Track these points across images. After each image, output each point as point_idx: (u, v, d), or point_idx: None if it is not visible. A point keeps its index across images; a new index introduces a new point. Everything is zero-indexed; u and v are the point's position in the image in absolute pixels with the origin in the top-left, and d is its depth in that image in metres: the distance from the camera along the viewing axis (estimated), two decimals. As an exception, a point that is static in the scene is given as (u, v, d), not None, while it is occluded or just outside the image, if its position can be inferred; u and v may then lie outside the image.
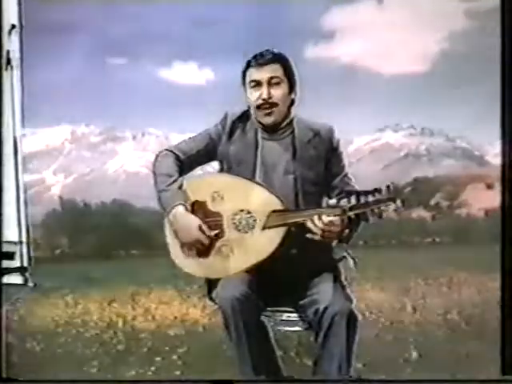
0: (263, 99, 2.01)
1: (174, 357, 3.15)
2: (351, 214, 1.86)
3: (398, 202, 1.83)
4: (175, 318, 4.05)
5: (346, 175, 2.11)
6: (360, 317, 1.96)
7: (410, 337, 3.37)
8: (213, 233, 1.99)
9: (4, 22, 2.74)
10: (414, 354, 3.06)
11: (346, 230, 1.93)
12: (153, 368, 2.99)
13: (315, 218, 1.87)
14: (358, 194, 1.86)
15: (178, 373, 2.94)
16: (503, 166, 2.56)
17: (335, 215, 1.86)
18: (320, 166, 2.07)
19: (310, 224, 1.88)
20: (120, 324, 3.98)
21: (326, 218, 1.86)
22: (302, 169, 2.05)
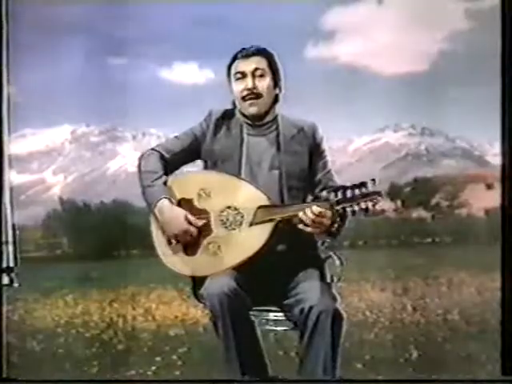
0: (248, 89, 2.03)
1: (174, 357, 3.15)
2: (338, 208, 1.87)
3: (385, 195, 1.86)
4: (175, 317, 4.05)
5: (329, 171, 2.12)
6: (345, 315, 1.96)
7: (410, 337, 3.37)
8: (200, 222, 1.99)
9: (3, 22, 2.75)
10: (414, 354, 3.06)
11: (335, 225, 1.94)
12: (153, 368, 2.99)
13: (307, 209, 1.88)
14: (344, 188, 1.87)
15: (177, 373, 2.95)
16: (503, 165, 2.56)
17: (327, 208, 1.87)
18: (304, 162, 2.09)
19: (301, 214, 1.89)
20: (120, 324, 3.98)
21: (316, 209, 1.87)
22: (286, 164, 2.07)
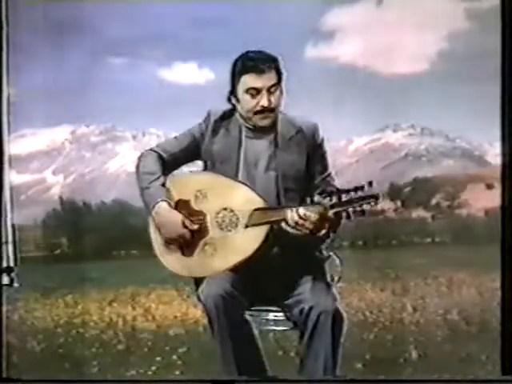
0: (263, 106, 2.02)
1: (174, 357, 3.16)
2: (332, 211, 1.87)
3: (385, 196, 1.86)
4: (175, 317, 4.05)
5: (329, 175, 2.11)
6: (345, 315, 1.96)
7: (410, 337, 3.37)
8: (195, 226, 1.99)
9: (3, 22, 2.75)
10: (414, 354, 3.06)
11: (322, 230, 1.93)
12: (153, 368, 2.99)
13: (293, 210, 1.88)
14: (340, 191, 1.87)
15: (178, 373, 2.95)
16: (503, 165, 2.56)
17: (316, 212, 1.87)
18: (302, 163, 2.08)
19: (288, 215, 1.89)
20: (120, 324, 3.98)
21: (301, 211, 1.87)
22: (283, 166, 2.06)
